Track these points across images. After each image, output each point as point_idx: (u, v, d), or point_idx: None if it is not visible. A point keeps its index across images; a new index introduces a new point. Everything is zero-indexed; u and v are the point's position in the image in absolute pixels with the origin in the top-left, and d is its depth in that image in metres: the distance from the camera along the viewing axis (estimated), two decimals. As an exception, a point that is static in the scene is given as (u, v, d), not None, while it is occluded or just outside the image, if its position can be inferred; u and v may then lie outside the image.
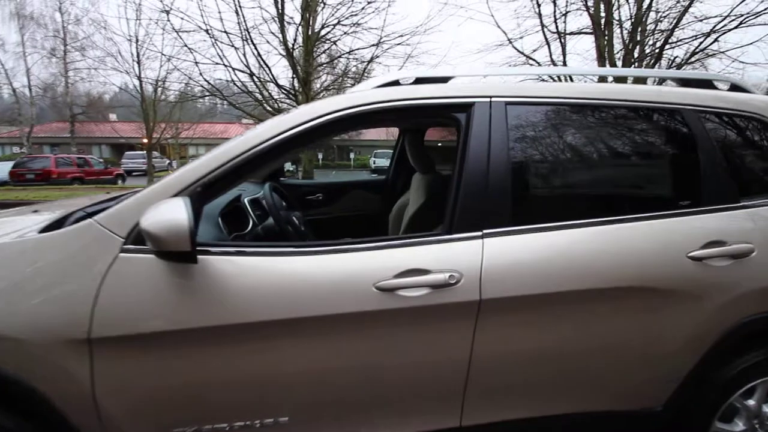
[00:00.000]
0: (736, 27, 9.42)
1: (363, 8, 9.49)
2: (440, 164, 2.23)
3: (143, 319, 1.08)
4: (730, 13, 9.18)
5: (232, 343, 1.12)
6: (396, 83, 1.34)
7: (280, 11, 9.23)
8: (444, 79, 1.37)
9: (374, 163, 23.63)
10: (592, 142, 1.39)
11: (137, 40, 13.39)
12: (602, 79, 2.28)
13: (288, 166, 3.67)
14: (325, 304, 1.12)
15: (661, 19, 10.18)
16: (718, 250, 1.27)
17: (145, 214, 0.99)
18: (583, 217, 1.25)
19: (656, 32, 10.12)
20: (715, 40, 9.21)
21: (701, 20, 9.83)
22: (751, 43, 9.06)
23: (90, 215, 1.17)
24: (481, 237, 1.20)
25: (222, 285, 1.11)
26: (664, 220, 1.28)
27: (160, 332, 1.08)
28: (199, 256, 1.10)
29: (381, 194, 2.81)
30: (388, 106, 1.26)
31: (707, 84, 1.53)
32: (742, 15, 9.17)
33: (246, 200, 1.81)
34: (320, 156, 26.29)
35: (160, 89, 14.68)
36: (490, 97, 1.29)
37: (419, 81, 1.35)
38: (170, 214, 0.97)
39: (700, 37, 9.59)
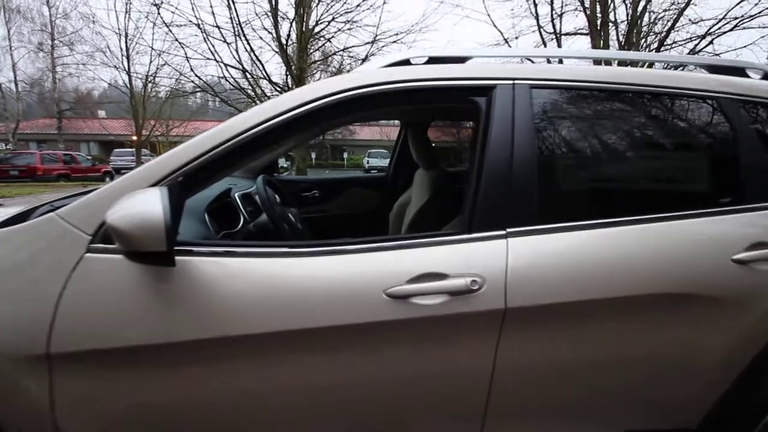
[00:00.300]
0: (731, 30, 9.46)
1: (358, 5, 9.35)
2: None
3: (113, 332, 0.92)
4: (725, 15, 9.21)
5: (218, 360, 0.97)
6: (407, 62, 1.19)
7: (273, 6, 9.04)
8: (461, 60, 1.22)
9: (368, 162, 23.49)
10: (625, 131, 1.26)
11: (126, 35, 13.10)
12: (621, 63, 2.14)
13: (282, 162, 3.50)
14: (328, 314, 0.97)
15: (656, 21, 10.20)
16: (765, 253, 1.14)
17: (113, 206, 0.83)
18: (617, 215, 1.11)
19: (651, 34, 10.14)
20: (710, 42, 9.23)
21: (696, 23, 9.86)
22: (745, 46, 9.10)
23: (56, 209, 1.01)
24: (505, 236, 1.06)
25: (207, 291, 0.95)
26: (706, 219, 1.15)
27: (132, 347, 0.92)
28: (181, 258, 0.95)
29: (381, 191, 2.66)
30: (398, 87, 1.11)
31: (739, 72, 1.40)
32: (736, 18, 9.20)
33: (237, 195, 1.65)
34: (313, 155, 26.09)
35: (150, 85, 14.38)
36: (513, 79, 1.15)
37: (432, 61, 1.20)
38: (142, 206, 0.81)
39: (695, 39, 9.61)
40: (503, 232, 1.06)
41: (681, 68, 1.70)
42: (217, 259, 0.99)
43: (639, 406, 1.18)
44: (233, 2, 8.36)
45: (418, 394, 1.05)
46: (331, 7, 9.50)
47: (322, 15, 9.64)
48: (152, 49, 10.83)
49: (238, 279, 0.97)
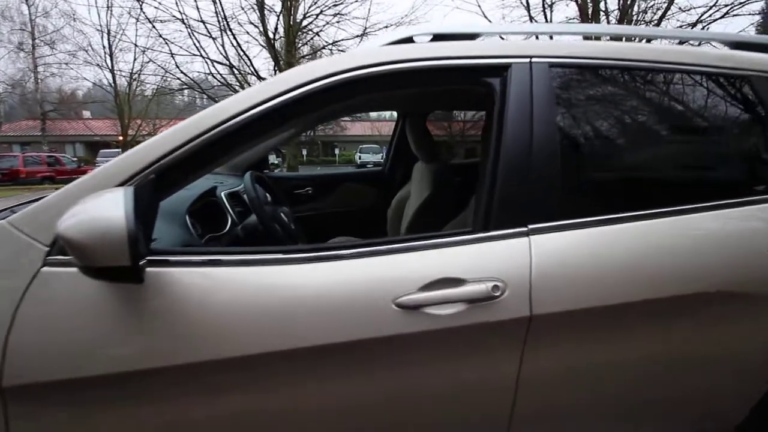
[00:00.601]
0: (721, 17, 9.44)
1: (346, -4, 9.15)
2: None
3: (78, 360, 0.78)
4: (716, 3, 9.19)
5: (206, 388, 0.83)
6: (410, 41, 1.06)
7: (260, -2, 8.81)
8: (470, 36, 1.09)
9: (360, 158, 23.29)
10: (656, 113, 1.13)
11: (109, 32, 12.74)
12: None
13: (272, 159, 3.34)
14: (331, 330, 0.84)
15: (647, 10, 10.17)
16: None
17: (67, 212, 0.69)
18: (652, 206, 0.99)
19: (642, 23, 10.10)
20: (703, 29, 9.23)
21: (686, 11, 9.84)
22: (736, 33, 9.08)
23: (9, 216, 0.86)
24: (527, 234, 0.94)
25: (189, 307, 0.81)
26: (749, 207, 1.03)
27: (101, 377, 0.79)
28: (157, 269, 0.81)
29: (377, 187, 2.52)
30: (402, 68, 0.97)
31: (763, 48, 1.29)
32: (727, 5, 9.18)
33: (223, 194, 1.51)
34: (305, 152, 25.82)
35: (135, 83, 14.04)
36: (530, 57, 1.02)
37: (438, 38, 1.07)
38: (99, 211, 0.67)
39: (686, 27, 9.59)
40: (524, 229, 0.94)
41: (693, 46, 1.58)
42: (200, 269, 0.85)
43: (674, 415, 1.07)
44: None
45: (434, 413, 0.93)
46: (319, -1, 9.31)
47: (309, 8, 9.44)
48: (135, 45, 10.53)
49: (225, 292, 0.84)
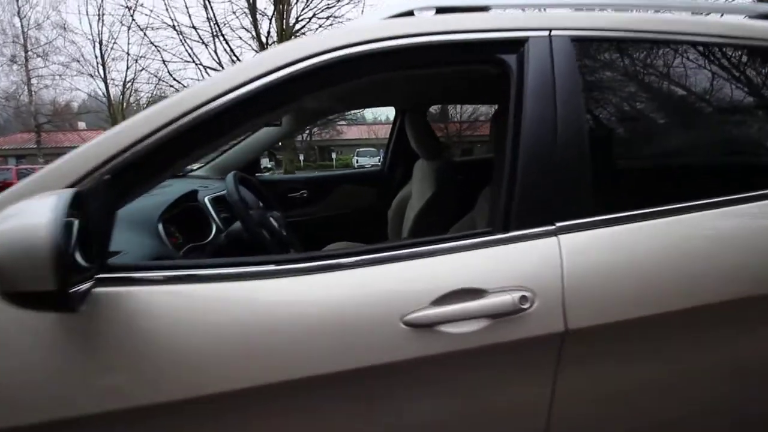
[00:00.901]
0: None
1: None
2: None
3: (14, 406, 0.63)
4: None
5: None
6: (410, 14, 0.92)
7: (251, 3, 8.70)
8: (480, 8, 0.95)
9: (357, 162, 23.21)
10: (698, 93, 0.99)
11: (101, 42, 12.64)
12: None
13: (265, 163, 3.20)
14: (329, 356, 0.70)
15: None
16: None
17: None
18: (699, 197, 0.85)
19: None
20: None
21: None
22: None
23: None
24: (555, 233, 0.79)
25: (155, 334, 0.67)
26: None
27: (45, 423, 0.64)
28: (114, 289, 0.67)
29: (376, 187, 2.38)
30: (405, 44, 0.83)
31: None
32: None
33: (207, 199, 1.36)
34: (302, 157, 25.72)
35: (128, 92, 13.91)
36: (550, 30, 0.88)
37: (442, 11, 0.93)
38: (24, 221, 0.53)
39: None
40: (552, 228, 0.80)
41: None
42: (172, 287, 0.71)
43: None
44: (209, 1, 8.02)
45: None
46: (311, 2, 9.20)
47: (302, 11, 9.34)
48: (128, 54, 10.41)
49: (204, 313, 0.70)
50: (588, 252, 0.79)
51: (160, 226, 1.01)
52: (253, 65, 0.78)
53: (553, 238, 0.79)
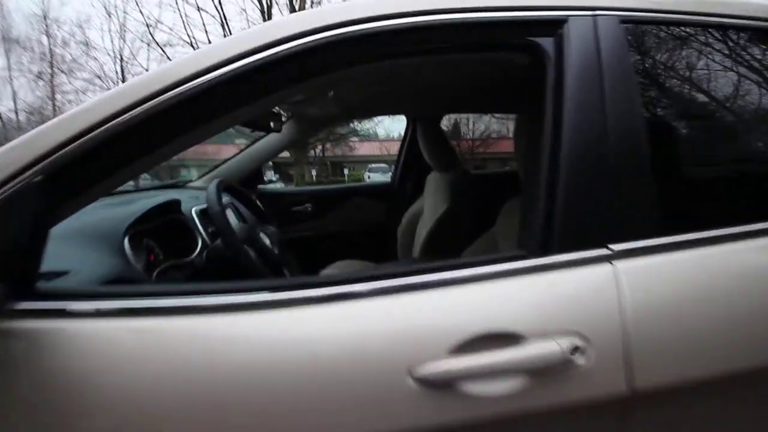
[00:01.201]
0: None
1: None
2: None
3: None
4: None
5: None
6: None
7: (266, 20, 8.82)
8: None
9: (369, 177, 23.23)
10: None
11: (122, 58, 12.96)
12: None
13: (270, 176, 3.06)
14: (314, 420, 0.52)
15: None
16: None
17: None
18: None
19: None
20: None
21: None
22: None
23: None
24: (609, 259, 0.61)
25: (100, 386, 0.51)
26: None
27: None
28: (45, 324, 0.52)
29: (386, 202, 2.21)
30: (421, 22, 0.67)
31: None
32: None
33: (194, 211, 1.21)
34: (314, 173, 25.86)
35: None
36: (594, 9, 0.72)
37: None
38: None
39: None
40: (605, 252, 0.62)
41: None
42: (127, 322, 0.55)
43: None
44: (226, 20, 8.14)
45: None
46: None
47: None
48: (146, 70, 10.61)
49: (162, 361, 0.53)
50: (656, 284, 0.60)
51: (126, 242, 0.86)
52: (262, 31, 0.63)
53: (608, 266, 0.61)
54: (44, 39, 18.25)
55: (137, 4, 12.07)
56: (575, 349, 0.54)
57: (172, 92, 0.58)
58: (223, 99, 0.62)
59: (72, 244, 0.76)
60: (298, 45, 0.62)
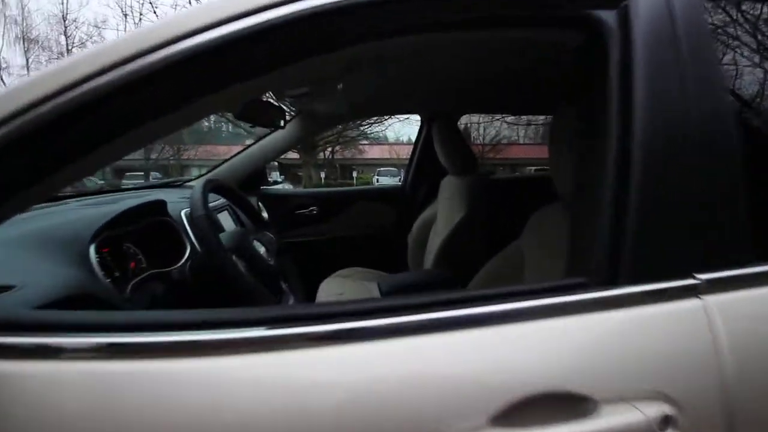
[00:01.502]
0: None
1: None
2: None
3: None
4: None
5: None
6: None
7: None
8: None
9: (378, 181, 23.19)
10: None
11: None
12: None
13: (276, 177, 2.94)
14: None
15: None
16: None
17: None
18: None
19: None
20: None
21: None
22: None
23: None
24: (697, 292, 0.46)
25: None
26: None
27: None
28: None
29: (396, 207, 2.07)
30: None
31: None
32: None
33: (184, 213, 1.08)
34: (323, 175, 25.86)
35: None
36: None
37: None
38: None
39: None
40: (692, 282, 0.47)
41: None
42: (79, 364, 0.41)
43: None
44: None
45: None
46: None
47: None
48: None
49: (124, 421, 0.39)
50: (761, 324, 0.45)
51: (92, 250, 0.72)
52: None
53: (696, 301, 0.46)
54: (62, 39, 18.57)
55: (152, 5, 12.16)
56: (665, 421, 0.39)
57: (152, 55, 0.44)
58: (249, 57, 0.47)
59: (21, 252, 0.63)
60: (303, 9, 0.48)
